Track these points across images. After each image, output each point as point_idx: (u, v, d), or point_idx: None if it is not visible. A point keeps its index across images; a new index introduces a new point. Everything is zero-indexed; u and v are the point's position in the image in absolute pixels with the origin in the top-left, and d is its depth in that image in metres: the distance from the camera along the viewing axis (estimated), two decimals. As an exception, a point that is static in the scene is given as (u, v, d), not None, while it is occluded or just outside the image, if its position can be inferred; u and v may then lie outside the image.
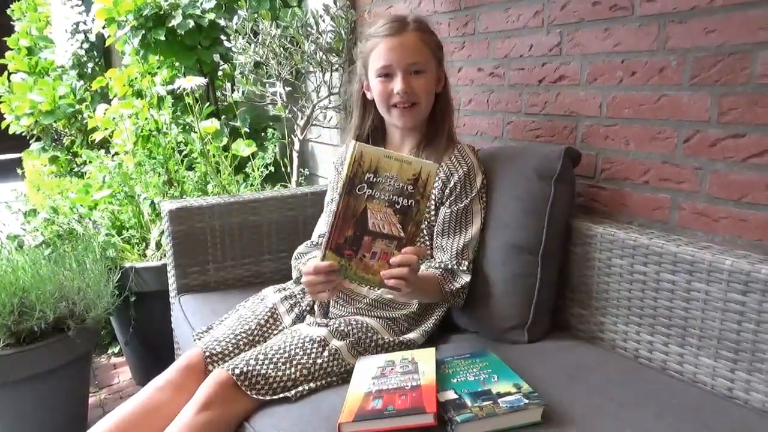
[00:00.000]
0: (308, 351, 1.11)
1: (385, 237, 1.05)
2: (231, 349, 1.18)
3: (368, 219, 1.04)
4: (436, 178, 1.28)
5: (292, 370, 1.08)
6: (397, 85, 1.26)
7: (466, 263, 1.27)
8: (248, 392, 1.03)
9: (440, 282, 1.24)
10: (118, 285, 1.81)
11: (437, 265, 1.27)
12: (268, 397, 1.05)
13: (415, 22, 1.30)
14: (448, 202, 1.29)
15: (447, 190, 1.29)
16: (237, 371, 1.04)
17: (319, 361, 1.11)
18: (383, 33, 1.28)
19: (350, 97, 1.45)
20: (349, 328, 1.19)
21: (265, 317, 1.27)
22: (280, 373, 1.07)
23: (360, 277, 1.06)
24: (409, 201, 1.05)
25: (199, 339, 1.27)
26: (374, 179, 1.03)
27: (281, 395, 1.05)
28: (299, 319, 1.28)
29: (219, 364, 1.13)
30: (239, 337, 1.21)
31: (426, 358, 1.09)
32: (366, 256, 1.05)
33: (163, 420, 1.05)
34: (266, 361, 1.08)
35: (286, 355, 1.10)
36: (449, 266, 1.26)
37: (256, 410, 1.05)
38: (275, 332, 1.25)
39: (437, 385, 0.99)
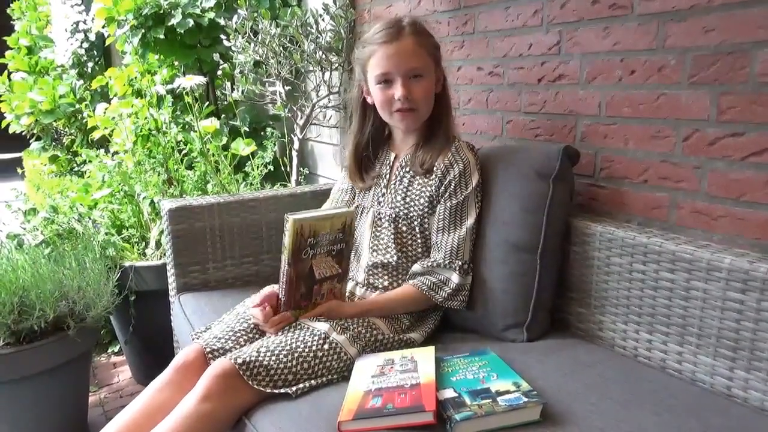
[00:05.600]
0: (309, 344, 1.12)
1: (328, 279, 1.21)
2: (231, 345, 1.18)
3: (315, 272, 1.19)
4: (433, 176, 1.31)
5: (294, 362, 1.08)
6: (398, 91, 1.27)
7: (459, 263, 1.27)
8: (249, 382, 1.04)
9: (427, 293, 1.27)
10: (117, 284, 1.81)
11: (429, 265, 1.28)
12: (268, 390, 1.05)
13: (411, 26, 1.29)
14: (443, 199, 1.30)
15: (443, 187, 1.30)
16: (239, 361, 1.05)
17: (320, 354, 1.11)
18: (380, 40, 1.27)
19: (349, 102, 1.46)
20: (350, 322, 1.20)
21: (264, 314, 1.27)
22: (281, 366, 1.07)
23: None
24: (341, 244, 1.21)
25: (198, 338, 1.27)
26: (314, 241, 1.16)
27: (282, 390, 1.06)
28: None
29: None
30: (239, 334, 1.21)
31: (425, 357, 1.09)
32: (317, 300, 1.21)
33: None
34: (268, 353, 1.08)
35: (288, 347, 1.10)
36: (442, 264, 1.27)
37: (256, 406, 1.05)
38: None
39: (437, 383, 0.99)
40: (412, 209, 1.32)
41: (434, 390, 0.96)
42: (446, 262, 1.27)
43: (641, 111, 1.25)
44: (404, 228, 1.33)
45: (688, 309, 1.09)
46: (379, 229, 1.35)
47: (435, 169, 1.31)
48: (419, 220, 1.32)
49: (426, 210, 1.32)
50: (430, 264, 1.28)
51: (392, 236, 1.33)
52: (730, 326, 1.03)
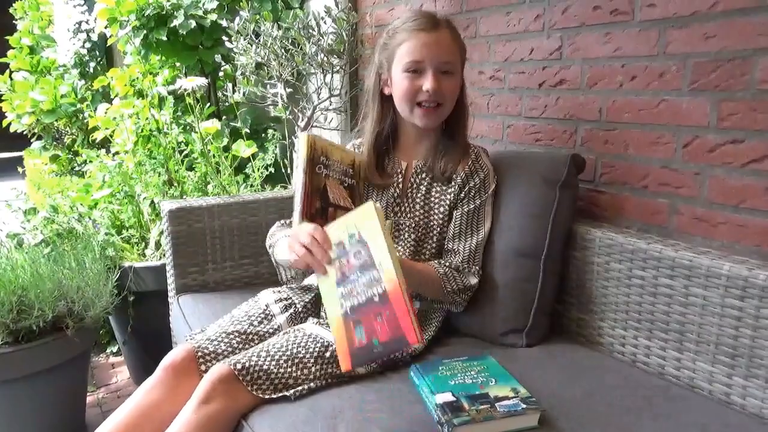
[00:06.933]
0: (310, 349, 1.12)
1: (341, 208, 1.22)
2: (224, 347, 1.18)
3: (329, 193, 1.21)
4: (453, 184, 1.29)
5: (294, 368, 1.08)
6: (427, 83, 1.20)
7: (476, 268, 1.27)
8: (249, 388, 1.03)
9: (441, 279, 1.24)
10: (117, 284, 1.81)
11: (447, 263, 1.27)
12: (267, 395, 1.05)
13: (446, 21, 1.25)
14: (460, 204, 1.29)
15: (462, 194, 1.28)
16: (239, 366, 1.04)
17: (320, 361, 1.11)
18: (415, 27, 1.21)
19: (364, 93, 1.36)
20: None
21: (259, 318, 1.27)
22: (281, 370, 1.07)
23: None
24: (351, 180, 1.26)
25: (192, 339, 1.27)
26: (326, 162, 1.22)
27: (281, 394, 1.05)
28: (293, 319, 1.28)
29: (211, 363, 1.13)
30: (231, 336, 1.20)
31: (371, 229, 1.01)
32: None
33: (158, 421, 1.06)
34: (268, 358, 1.08)
35: (288, 352, 1.10)
36: (459, 267, 1.26)
37: (254, 409, 1.05)
38: (270, 332, 1.25)
39: (400, 284, 0.96)
40: (432, 218, 1.30)
41: (402, 296, 0.95)
42: (463, 266, 1.27)
43: (642, 117, 1.25)
44: (423, 237, 1.31)
45: (686, 315, 1.09)
46: (396, 240, 1.31)
47: (455, 176, 1.28)
48: (439, 228, 1.30)
49: (446, 219, 1.30)
50: (446, 264, 1.27)
51: (410, 246, 1.30)
52: (728, 333, 1.03)
